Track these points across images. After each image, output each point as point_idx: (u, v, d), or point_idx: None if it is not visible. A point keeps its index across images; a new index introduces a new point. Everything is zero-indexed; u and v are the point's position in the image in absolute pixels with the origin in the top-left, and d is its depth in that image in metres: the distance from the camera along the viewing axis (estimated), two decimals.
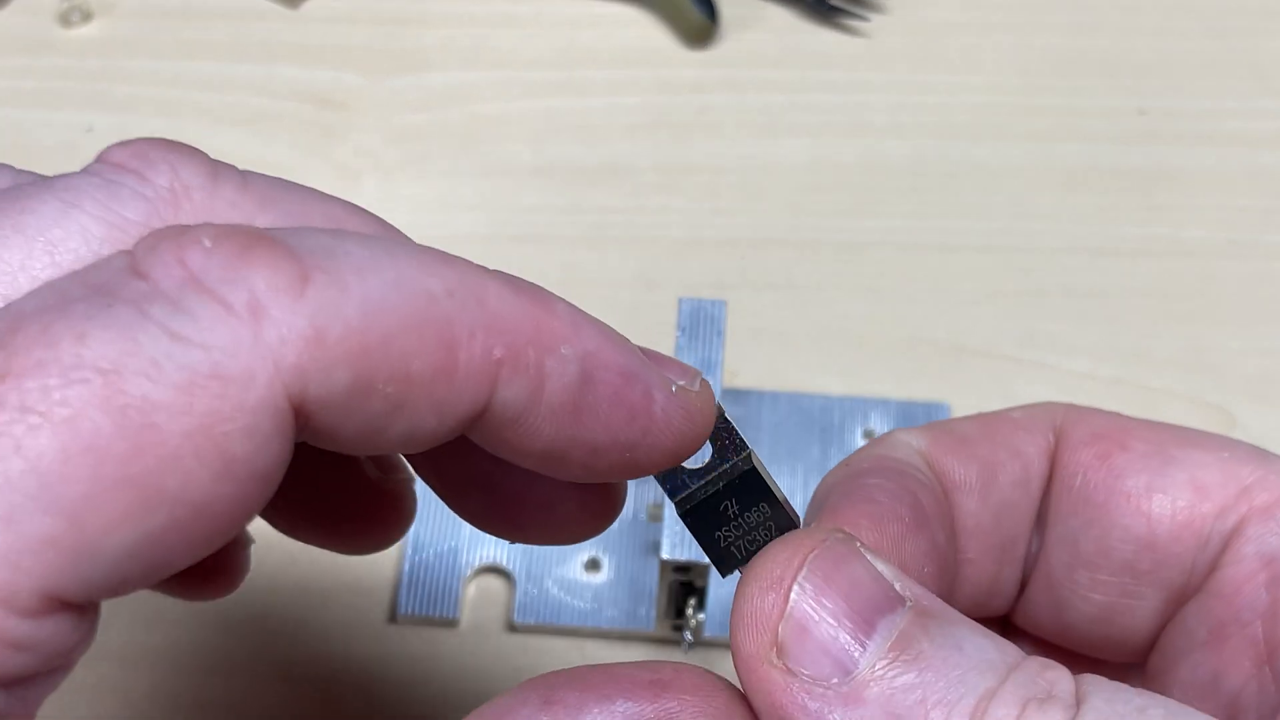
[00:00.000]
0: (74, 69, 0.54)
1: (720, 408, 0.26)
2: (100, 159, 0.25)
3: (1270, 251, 0.51)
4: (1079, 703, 0.22)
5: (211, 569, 0.30)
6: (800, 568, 0.24)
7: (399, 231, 0.27)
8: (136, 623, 0.42)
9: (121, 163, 0.25)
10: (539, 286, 0.24)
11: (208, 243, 0.21)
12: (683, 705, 0.24)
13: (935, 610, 0.24)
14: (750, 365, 0.48)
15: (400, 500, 0.31)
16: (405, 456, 0.30)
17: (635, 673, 0.24)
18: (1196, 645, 0.29)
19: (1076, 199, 0.52)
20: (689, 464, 0.26)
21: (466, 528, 0.43)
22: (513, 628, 0.43)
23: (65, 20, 0.54)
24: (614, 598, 0.43)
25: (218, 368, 0.21)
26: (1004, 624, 0.31)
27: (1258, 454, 0.29)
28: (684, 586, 0.41)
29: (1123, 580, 0.29)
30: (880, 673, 0.23)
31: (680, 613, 0.42)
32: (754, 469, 0.26)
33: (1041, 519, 0.30)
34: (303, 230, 0.23)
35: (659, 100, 0.53)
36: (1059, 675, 0.23)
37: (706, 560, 0.41)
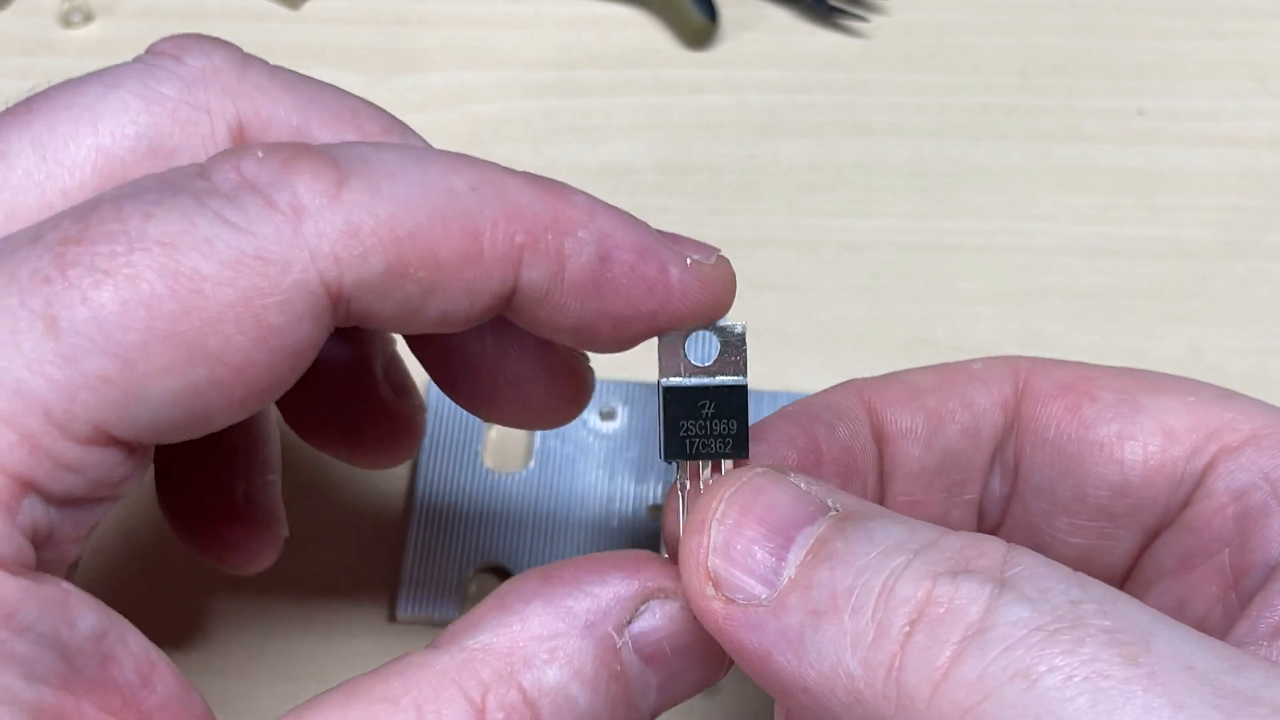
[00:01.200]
0: (75, 70, 0.53)
1: (743, 332, 0.29)
2: (147, 50, 0.30)
3: (1269, 252, 0.51)
4: (1004, 581, 0.23)
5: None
6: (718, 506, 0.26)
7: (413, 131, 0.30)
8: (135, 622, 0.42)
9: (163, 50, 0.29)
10: (558, 181, 0.27)
11: (260, 154, 0.25)
12: (660, 573, 0.28)
13: (858, 512, 0.25)
14: (750, 365, 0.48)
15: (410, 423, 0.36)
16: (405, 337, 0.33)
17: (618, 554, 0.28)
18: (1165, 574, 0.30)
19: (1075, 199, 0.52)
20: (696, 360, 0.28)
21: (467, 527, 0.43)
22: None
23: (66, 21, 0.54)
24: None
25: (261, 251, 0.24)
26: None
27: (1223, 395, 0.31)
28: None
29: (1099, 524, 0.31)
30: (798, 578, 0.25)
31: None
32: (744, 388, 0.28)
33: (1013, 467, 0.32)
34: (345, 144, 0.26)
35: (659, 100, 0.53)
36: (987, 548, 0.24)
37: None
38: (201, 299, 0.24)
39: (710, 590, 0.26)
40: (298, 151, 0.25)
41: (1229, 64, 0.55)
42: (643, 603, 0.27)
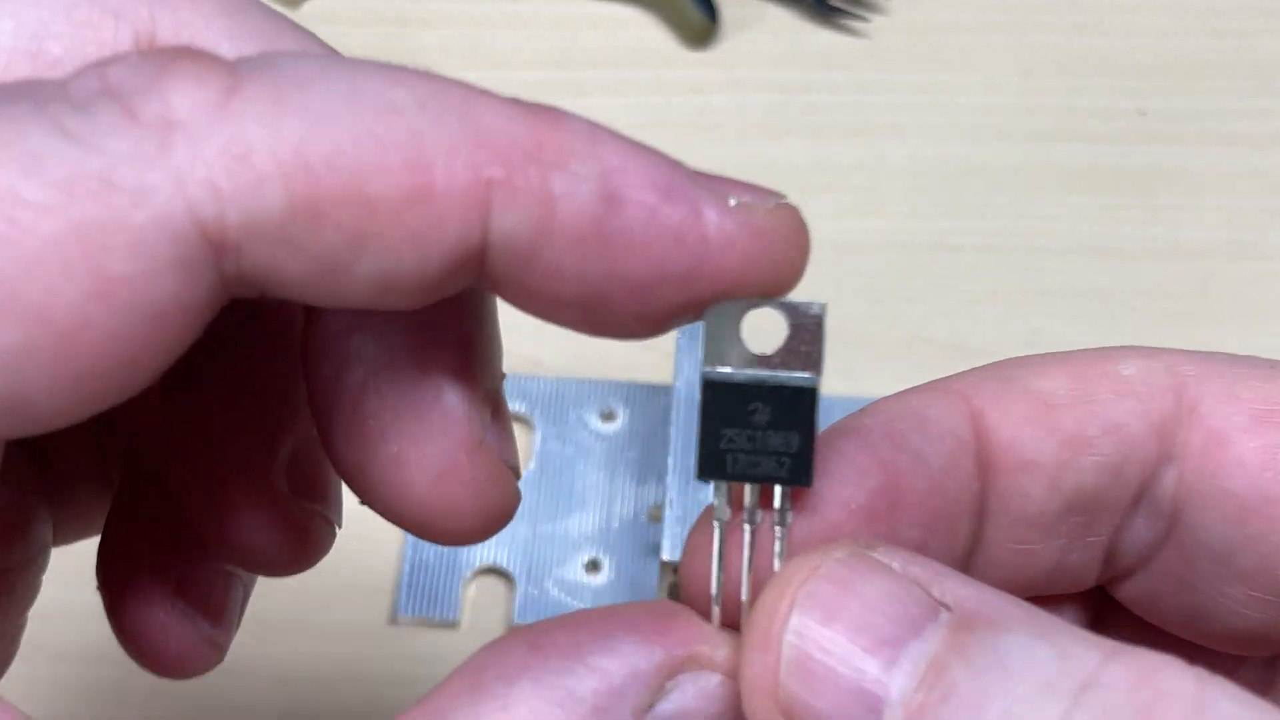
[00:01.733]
0: None
1: (821, 314, 0.21)
2: None
3: (1271, 252, 0.51)
4: None
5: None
6: (788, 613, 0.19)
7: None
8: None
9: None
10: (555, 107, 0.21)
11: (135, 59, 0.19)
12: (691, 634, 0.21)
13: (981, 616, 0.19)
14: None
15: (304, 533, 0.26)
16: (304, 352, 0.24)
17: (630, 609, 0.21)
18: None
19: (1077, 199, 0.52)
20: (753, 346, 0.21)
21: None
22: (513, 629, 0.43)
23: None
24: (614, 599, 0.43)
25: (107, 173, 0.18)
26: (1096, 595, 0.26)
27: None
28: None
29: None
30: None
31: None
32: (814, 391, 0.21)
33: (1170, 513, 0.24)
34: (259, 56, 0.20)
35: (659, 101, 0.53)
36: (1171, 688, 0.17)
37: None
38: (15, 230, 0.17)
39: None
40: (180, 54, 0.19)
41: (1230, 64, 0.55)
42: (670, 677, 0.20)
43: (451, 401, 0.22)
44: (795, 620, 0.19)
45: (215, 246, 0.18)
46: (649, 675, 0.20)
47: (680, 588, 0.22)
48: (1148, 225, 0.51)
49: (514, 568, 0.43)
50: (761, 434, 0.21)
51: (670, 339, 0.43)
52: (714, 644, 0.21)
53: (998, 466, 0.23)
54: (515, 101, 0.20)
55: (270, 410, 0.26)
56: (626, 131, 0.20)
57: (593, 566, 0.43)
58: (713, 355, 0.21)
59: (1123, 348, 0.24)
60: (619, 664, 0.20)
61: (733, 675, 0.20)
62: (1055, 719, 0.17)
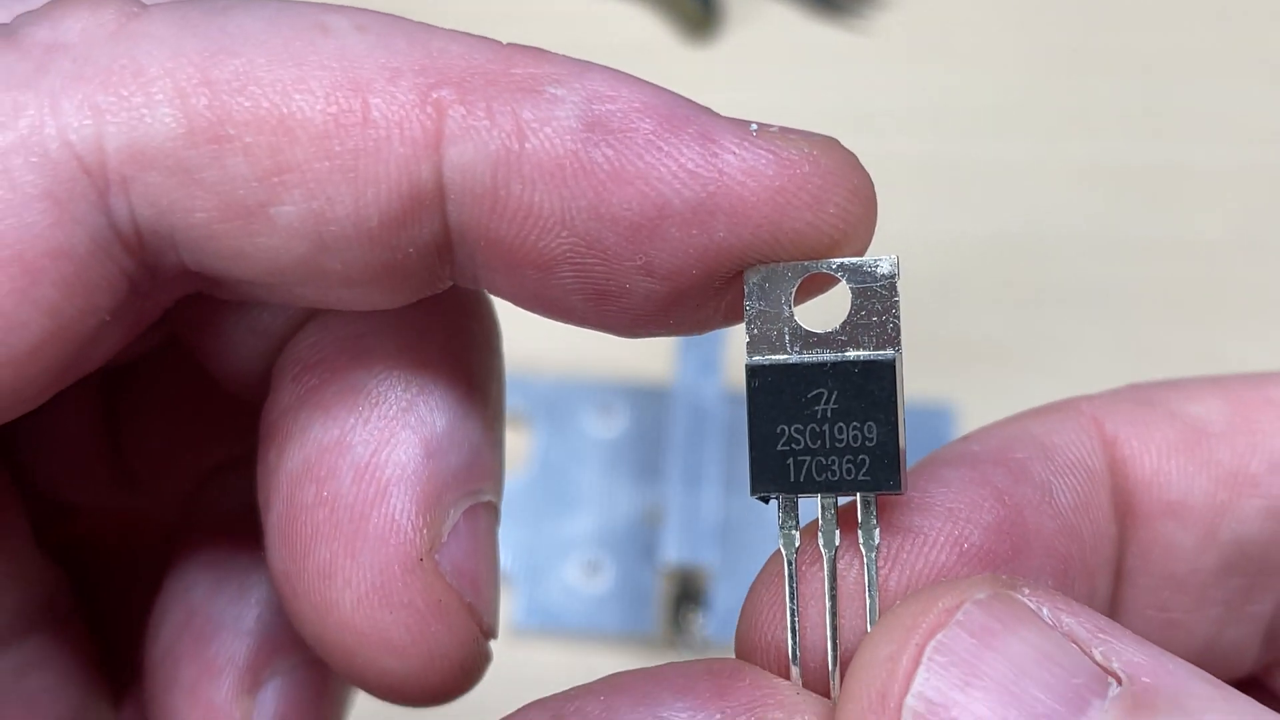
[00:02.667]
0: None
1: (893, 273, 0.17)
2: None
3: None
4: None
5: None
6: (914, 668, 0.15)
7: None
8: None
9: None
10: (538, 47, 0.17)
11: (43, 7, 0.17)
12: (758, 697, 0.16)
13: (1162, 695, 0.14)
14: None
15: None
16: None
17: (684, 669, 0.17)
18: None
19: (1085, 197, 0.51)
20: (804, 320, 0.17)
21: None
22: (514, 631, 0.42)
23: None
24: (615, 601, 0.43)
25: None
26: (1248, 686, 0.21)
27: None
28: (684, 591, 0.41)
29: None
30: None
31: (678, 618, 0.41)
32: (892, 365, 0.16)
33: None
34: None
35: None
36: None
37: (706, 564, 0.41)
38: None
39: None
40: None
41: (1241, 60, 0.54)
42: None
43: (396, 504, 0.18)
44: (923, 680, 0.15)
45: (96, 178, 0.15)
46: None
47: (738, 641, 0.18)
48: (1156, 223, 0.51)
49: (514, 568, 0.43)
50: (830, 428, 0.16)
51: (671, 340, 0.43)
52: (792, 708, 0.16)
53: (1139, 509, 0.19)
54: (486, 38, 0.17)
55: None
56: None
57: (593, 569, 0.43)
58: (759, 339, 0.17)
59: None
60: None
61: None
62: None
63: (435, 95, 0.16)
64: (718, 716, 0.16)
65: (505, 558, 0.43)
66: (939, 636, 0.15)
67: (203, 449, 0.23)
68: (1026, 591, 0.15)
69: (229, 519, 0.22)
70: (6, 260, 0.15)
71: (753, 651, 0.17)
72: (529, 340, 0.45)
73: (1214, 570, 0.19)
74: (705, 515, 0.40)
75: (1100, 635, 0.15)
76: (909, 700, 0.14)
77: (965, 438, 0.18)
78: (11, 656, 0.21)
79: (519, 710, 0.17)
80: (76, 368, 0.17)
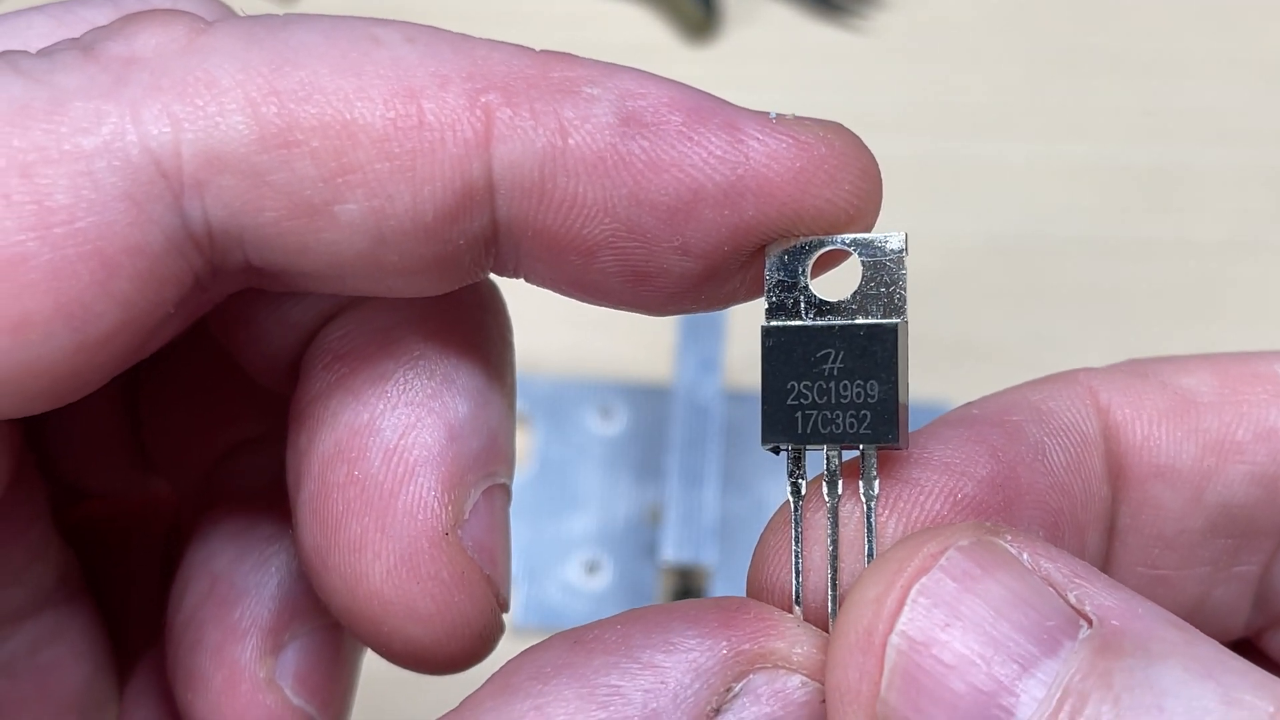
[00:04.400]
0: None
1: (902, 249, 0.19)
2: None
3: (1278, 250, 0.50)
4: None
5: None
6: (899, 609, 0.16)
7: None
8: None
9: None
10: (568, 53, 0.19)
11: (114, 23, 0.18)
12: (762, 628, 0.17)
13: (1129, 636, 0.15)
14: (752, 365, 0.47)
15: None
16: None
17: (694, 603, 0.18)
18: None
19: (1083, 198, 0.52)
20: (820, 292, 0.18)
21: None
22: (513, 630, 0.43)
23: None
24: (614, 601, 0.43)
25: (54, 101, 0.16)
26: (1243, 649, 0.21)
27: None
28: (684, 589, 0.41)
29: None
30: None
31: None
32: (895, 329, 0.18)
33: None
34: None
35: None
36: None
37: (706, 563, 0.41)
38: None
39: None
40: (153, 10, 0.18)
41: (1238, 61, 0.54)
42: (738, 678, 0.17)
43: (423, 483, 0.20)
44: (907, 620, 0.16)
45: (173, 181, 0.17)
46: (712, 673, 0.17)
47: (748, 583, 0.19)
48: (1154, 224, 0.51)
49: (514, 568, 0.43)
50: (835, 385, 0.18)
51: (670, 336, 0.43)
52: (793, 639, 0.17)
53: (1130, 472, 0.20)
54: (520, 45, 0.19)
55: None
56: None
57: (593, 568, 0.43)
58: (778, 306, 0.18)
59: (1277, 352, 0.21)
60: (676, 660, 0.17)
61: (815, 676, 0.17)
62: None
63: (483, 99, 0.17)
64: (724, 644, 0.17)
65: None
66: (923, 580, 0.16)
67: (219, 431, 0.24)
68: (1009, 538, 0.16)
69: (247, 495, 0.23)
70: (88, 254, 0.16)
71: (760, 591, 0.18)
72: (529, 340, 0.45)
73: (1201, 531, 0.20)
74: (705, 514, 0.40)
75: (1076, 580, 0.16)
76: (893, 638, 0.16)
77: (967, 404, 0.20)
78: (27, 632, 0.22)
79: (545, 640, 0.18)
80: (134, 356, 0.18)
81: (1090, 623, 0.16)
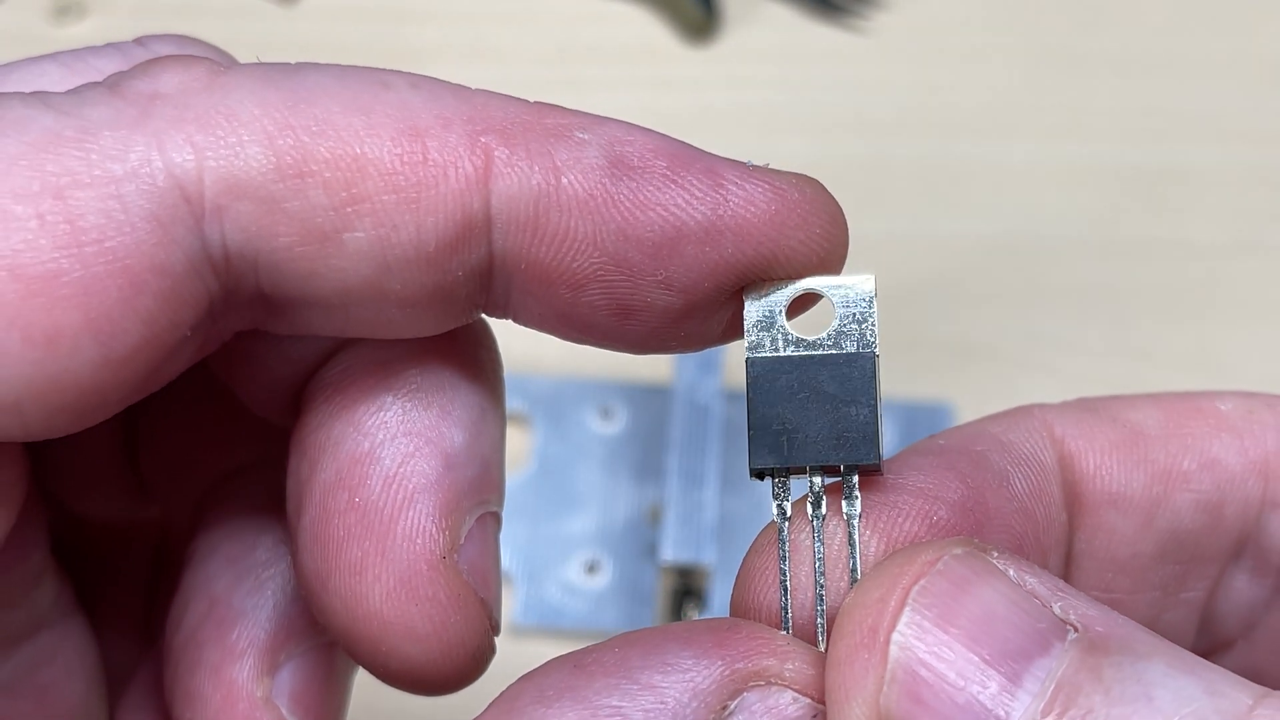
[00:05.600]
0: None
1: (872, 294, 0.20)
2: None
3: (1277, 251, 0.50)
4: None
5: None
6: (900, 609, 0.17)
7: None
8: None
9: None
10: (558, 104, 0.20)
11: (136, 65, 0.19)
12: (756, 647, 0.18)
13: (1114, 640, 0.17)
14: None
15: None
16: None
17: (687, 625, 0.19)
18: None
19: (1082, 198, 0.52)
20: (794, 329, 0.20)
21: None
22: (513, 630, 0.43)
23: (59, 18, 0.54)
24: (614, 600, 0.43)
25: (84, 131, 0.18)
26: None
27: None
28: (683, 589, 0.41)
29: None
30: None
31: (680, 616, 0.41)
32: (871, 358, 0.20)
33: (1264, 558, 0.22)
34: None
35: (658, 98, 0.53)
36: None
37: (705, 562, 0.41)
38: None
39: None
40: (172, 55, 0.19)
41: (1237, 61, 0.54)
42: (733, 696, 0.18)
43: (422, 510, 0.21)
44: (907, 620, 0.17)
45: (195, 206, 0.18)
46: (709, 693, 0.18)
47: (733, 603, 0.20)
48: (1153, 224, 0.51)
49: (514, 568, 0.43)
50: (817, 413, 0.19)
51: None
52: (784, 656, 0.18)
53: (1085, 499, 0.21)
54: (515, 97, 0.20)
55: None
56: None
57: (592, 568, 0.43)
58: (756, 345, 0.20)
59: (1219, 391, 0.22)
60: (674, 680, 0.18)
61: (806, 691, 0.18)
62: None
63: (483, 140, 0.19)
64: (719, 663, 0.18)
65: (505, 556, 0.43)
66: (922, 582, 0.17)
67: (214, 458, 0.25)
68: (995, 554, 0.18)
69: (242, 520, 0.24)
70: (117, 271, 0.18)
71: (746, 612, 0.20)
72: (530, 340, 0.45)
73: (1151, 556, 0.21)
74: (704, 514, 0.40)
75: (1059, 593, 0.17)
76: (895, 636, 0.17)
77: (933, 436, 0.21)
78: (25, 652, 0.23)
79: (545, 663, 0.19)
80: (147, 384, 0.19)
81: (1076, 629, 0.17)
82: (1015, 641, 0.17)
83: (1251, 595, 0.22)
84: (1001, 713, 0.16)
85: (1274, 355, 0.48)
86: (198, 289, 0.18)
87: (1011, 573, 0.17)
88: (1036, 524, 0.20)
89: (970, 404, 0.46)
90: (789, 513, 0.19)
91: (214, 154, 0.18)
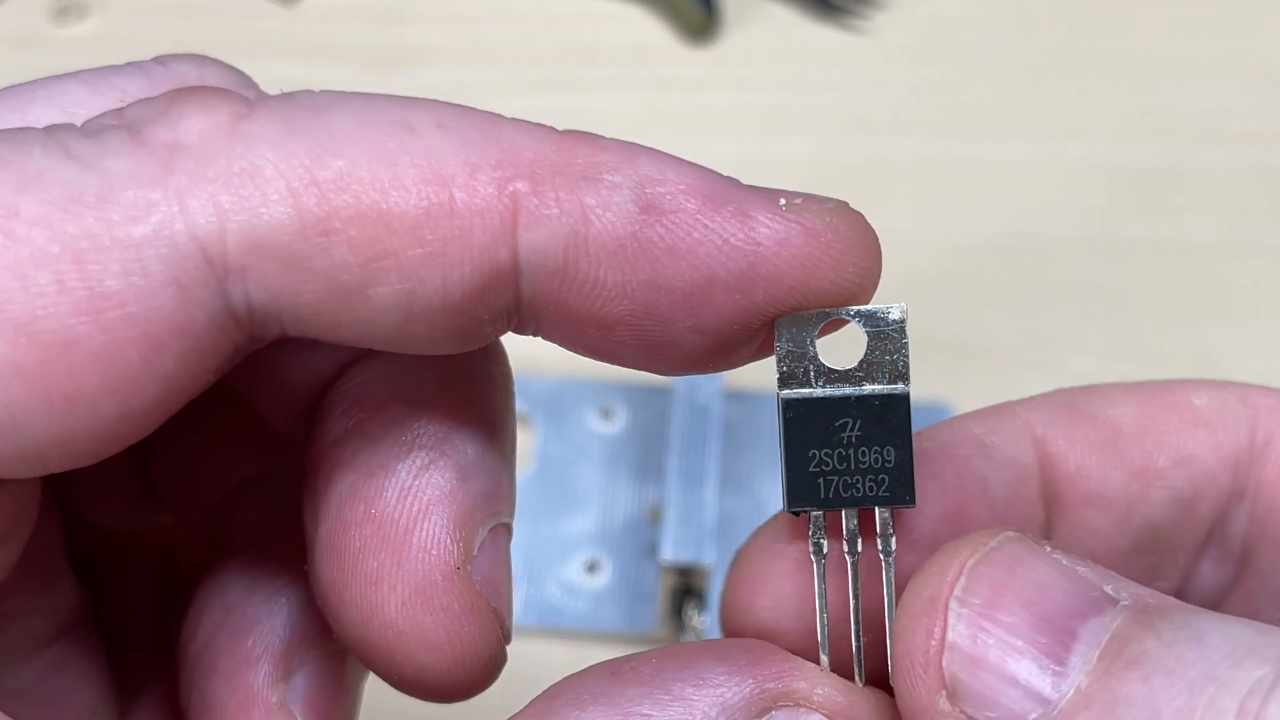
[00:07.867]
0: (68, 68, 0.53)
1: (903, 319, 0.20)
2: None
3: (1276, 251, 0.50)
4: None
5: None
6: (956, 580, 0.18)
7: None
8: None
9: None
10: (588, 132, 0.20)
11: (153, 99, 0.19)
12: (785, 669, 0.19)
13: (1163, 605, 0.18)
14: (751, 366, 0.47)
15: None
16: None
17: (724, 642, 0.20)
18: None
19: (1081, 198, 0.52)
20: (831, 361, 0.20)
21: None
22: (513, 628, 0.42)
23: (60, 18, 0.54)
24: (614, 600, 0.43)
25: (105, 190, 0.17)
26: None
27: None
28: (684, 589, 0.41)
29: None
30: (1092, 692, 0.17)
31: (680, 615, 0.41)
32: (905, 399, 0.20)
33: (1239, 555, 0.23)
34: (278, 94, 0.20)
35: (658, 98, 0.53)
36: None
37: (705, 562, 0.41)
38: (8, 242, 0.17)
39: (945, 704, 0.18)
40: (194, 89, 0.19)
41: (1236, 62, 0.54)
42: (761, 714, 0.19)
43: (436, 521, 0.21)
44: (963, 588, 0.18)
45: (217, 267, 0.18)
46: (737, 708, 0.19)
47: (724, 615, 0.21)
48: (1152, 224, 0.51)
49: (514, 568, 0.43)
50: (852, 452, 0.20)
51: None
52: (814, 681, 0.19)
53: (1064, 499, 0.22)
54: (545, 126, 0.19)
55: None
56: (625, 129, 0.20)
57: (593, 568, 0.43)
58: (788, 375, 0.20)
59: (1194, 380, 0.23)
60: (705, 694, 0.19)
61: (834, 717, 0.19)
62: (1266, 681, 0.16)
63: (511, 188, 0.18)
64: (750, 681, 0.19)
65: None
66: (978, 555, 0.18)
67: (228, 468, 0.25)
68: (1048, 547, 0.19)
69: (256, 530, 0.24)
70: (136, 337, 0.18)
71: (737, 617, 0.21)
72: (530, 340, 0.45)
73: (1127, 550, 0.22)
74: (704, 514, 0.40)
75: (1109, 577, 0.18)
76: (953, 603, 0.18)
77: (917, 433, 0.21)
78: (40, 660, 0.23)
79: (585, 668, 0.20)
80: (169, 415, 0.19)
81: (1126, 601, 0.18)
82: (1070, 604, 0.18)
83: (1216, 581, 0.23)
84: (1054, 673, 0.17)
85: (1273, 355, 0.48)
86: (220, 342, 0.18)
87: (1058, 557, 0.18)
88: (1013, 526, 0.21)
89: (970, 404, 0.46)
90: (825, 550, 0.20)
91: (237, 214, 0.18)
